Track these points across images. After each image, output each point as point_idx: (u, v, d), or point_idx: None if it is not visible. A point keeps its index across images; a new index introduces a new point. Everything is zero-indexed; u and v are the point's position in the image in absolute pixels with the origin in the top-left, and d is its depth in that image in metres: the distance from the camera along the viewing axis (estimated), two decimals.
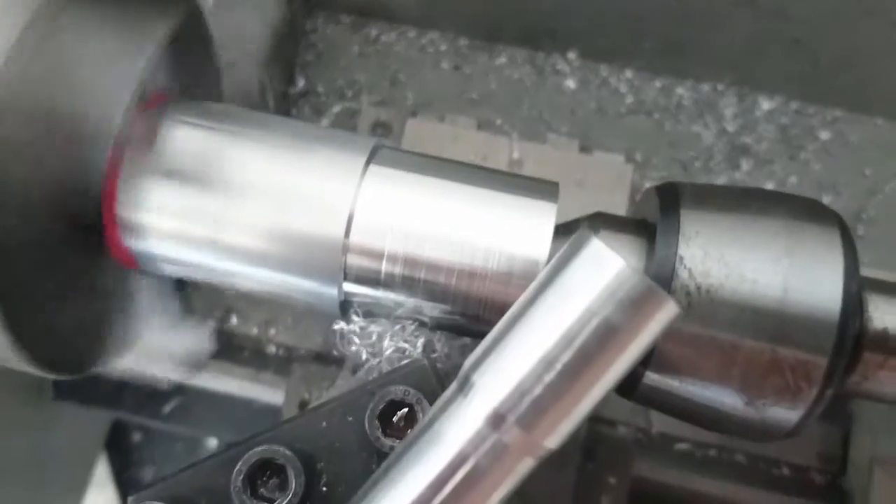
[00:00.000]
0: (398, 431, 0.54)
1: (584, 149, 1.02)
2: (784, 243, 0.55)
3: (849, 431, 0.97)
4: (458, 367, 0.49)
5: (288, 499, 0.51)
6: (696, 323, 0.55)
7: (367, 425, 0.53)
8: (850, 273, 0.55)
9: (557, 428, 0.44)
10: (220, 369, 1.04)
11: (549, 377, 0.43)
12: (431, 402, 0.51)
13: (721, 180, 1.04)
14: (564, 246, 0.46)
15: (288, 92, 1.08)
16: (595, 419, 0.98)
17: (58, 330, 0.62)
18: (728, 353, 0.55)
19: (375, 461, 0.53)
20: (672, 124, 1.06)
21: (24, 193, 0.54)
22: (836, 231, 0.57)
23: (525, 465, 0.46)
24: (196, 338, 0.92)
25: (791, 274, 0.55)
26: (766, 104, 1.06)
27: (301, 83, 1.08)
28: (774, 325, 0.54)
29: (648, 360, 0.56)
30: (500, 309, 0.52)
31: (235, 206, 0.60)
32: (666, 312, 0.42)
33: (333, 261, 0.59)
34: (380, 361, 0.60)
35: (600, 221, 0.63)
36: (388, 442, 0.53)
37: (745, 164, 1.04)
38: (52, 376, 0.64)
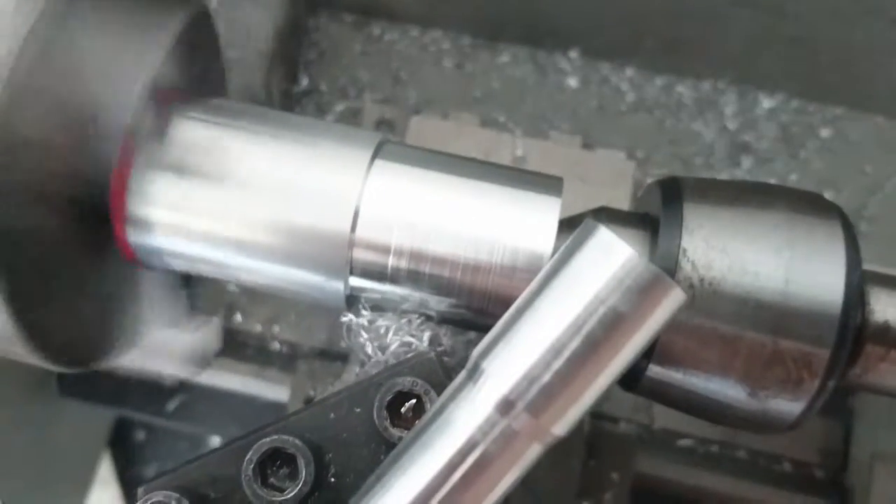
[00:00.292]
0: (406, 422, 0.54)
1: (587, 146, 1.02)
2: (786, 236, 0.56)
3: (850, 427, 0.97)
4: (464, 362, 0.50)
5: (298, 488, 0.52)
6: (698, 315, 0.55)
7: (374, 416, 0.54)
8: (851, 265, 0.56)
9: (566, 414, 0.45)
10: (224, 366, 1.04)
11: (557, 364, 0.44)
12: (439, 395, 0.52)
13: (722, 178, 1.04)
14: (572, 236, 0.47)
15: (291, 90, 1.08)
16: (598, 415, 0.98)
17: (64, 322, 0.62)
18: (730, 345, 0.55)
19: (383, 452, 0.54)
20: (673, 122, 1.07)
21: (34, 184, 0.55)
22: (838, 223, 0.57)
23: (533, 452, 0.47)
24: (202, 334, 0.92)
25: (793, 266, 0.55)
26: (766, 102, 1.07)
27: (304, 82, 1.09)
28: (777, 316, 0.55)
29: (651, 352, 0.57)
30: (505, 302, 0.53)
31: (242, 201, 0.61)
32: (673, 299, 0.43)
33: (339, 255, 0.60)
34: (386, 355, 0.61)
35: (604, 215, 0.63)
36: (395, 432, 0.53)
37: (746, 162, 1.05)
38: (57, 369, 0.64)
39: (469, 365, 0.48)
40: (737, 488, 0.98)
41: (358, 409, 0.55)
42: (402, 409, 0.54)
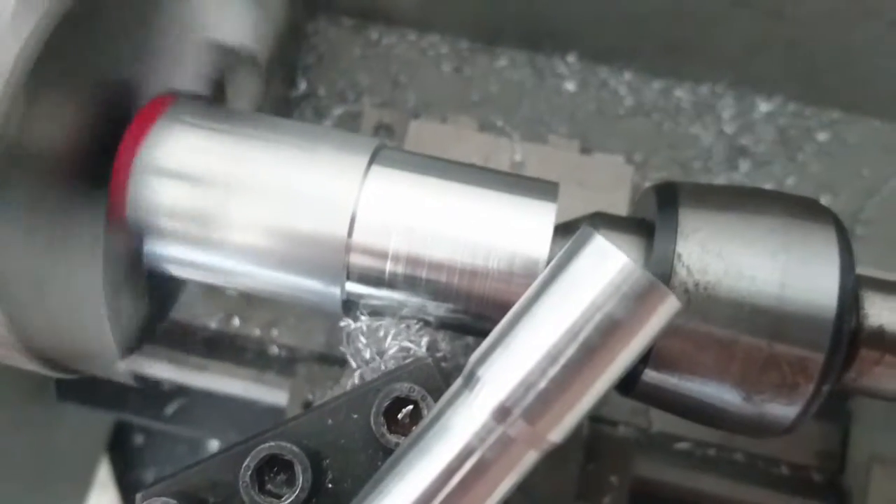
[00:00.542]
0: (403, 428, 0.54)
1: (585, 150, 1.02)
2: (781, 240, 0.56)
3: (847, 430, 0.97)
4: (461, 367, 0.50)
5: (295, 494, 0.52)
6: (694, 319, 0.55)
7: (372, 422, 0.54)
8: (846, 270, 0.56)
9: (562, 421, 0.45)
10: (222, 370, 1.04)
11: (553, 371, 0.44)
12: (436, 400, 0.52)
13: (720, 181, 1.05)
14: (568, 243, 0.47)
15: (289, 95, 1.08)
16: (596, 419, 0.98)
17: (60, 328, 0.62)
18: (726, 349, 0.55)
19: (381, 458, 0.54)
20: (671, 126, 1.07)
21: (31, 190, 0.54)
22: (832, 228, 0.57)
23: (530, 458, 0.47)
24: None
25: (788, 270, 0.55)
26: (763, 106, 1.07)
27: (303, 86, 1.09)
28: (772, 321, 0.55)
29: (647, 357, 0.57)
30: (502, 306, 0.53)
31: (239, 206, 0.61)
32: (668, 307, 0.43)
33: (336, 260, 0.60)
34: (384, 360, 0.61)
35: (599, 221, 0.64)
36: (393, 438, 0.54)
37: (744, 166, 1.05)
38: (55, 374, 0.64)
39: (465, 372, 0.49)
40: (734, 491, 0.98)
41: (356, 415, 0.55)
42: (400, 416, 0.54)
